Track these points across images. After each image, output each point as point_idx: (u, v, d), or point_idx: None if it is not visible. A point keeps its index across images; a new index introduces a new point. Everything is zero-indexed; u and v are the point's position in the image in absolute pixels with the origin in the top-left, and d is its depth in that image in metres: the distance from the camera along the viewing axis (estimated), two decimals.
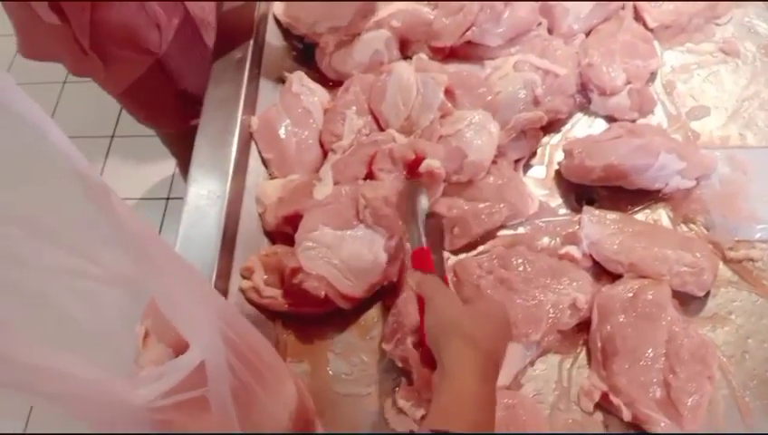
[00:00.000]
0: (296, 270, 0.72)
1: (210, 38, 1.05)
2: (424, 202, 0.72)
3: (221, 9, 0.95)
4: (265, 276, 0.76)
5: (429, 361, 0.60)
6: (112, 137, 1.93)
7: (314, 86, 0.90)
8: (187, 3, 1.02)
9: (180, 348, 0.51)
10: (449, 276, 0.76)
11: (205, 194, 0.76)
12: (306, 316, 0.74)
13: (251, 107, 0.86)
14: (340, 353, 0.74)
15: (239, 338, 0.58)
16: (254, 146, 0.85)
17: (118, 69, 1.00)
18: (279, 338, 0.74)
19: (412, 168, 0.78)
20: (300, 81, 0.90)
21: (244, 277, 0.76)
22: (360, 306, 0.75)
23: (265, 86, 0.91)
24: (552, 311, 0.71)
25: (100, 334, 0.45)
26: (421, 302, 0.60)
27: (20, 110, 0.33)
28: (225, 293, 0.73)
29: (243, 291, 0.75)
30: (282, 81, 0.93)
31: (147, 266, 0.40)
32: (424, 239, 0.67)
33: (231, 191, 0.77)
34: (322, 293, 0.72)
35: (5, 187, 0.37)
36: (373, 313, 0.76)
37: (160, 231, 1.84)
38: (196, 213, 0.74)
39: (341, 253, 0.74)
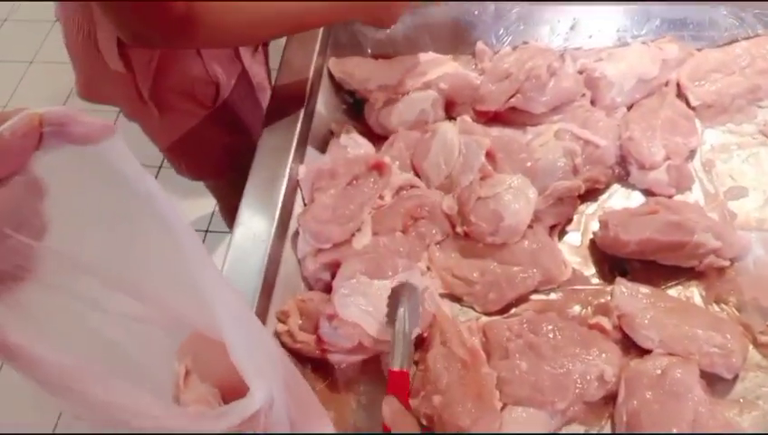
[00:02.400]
0: (332, 316, 0.75)
1: (264, 98, 1.11)
2: (415, 315, 0.70)
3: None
4: (300, 322, 0.78)
5: None
6: (160, 167, 2.01)
7: (361, 140, 0.94)
8: (246, 65, 1.08)
9: (226, 389, 0.54)
10: (479, 337, 0.78)
11: (250, 236, 0.79)
12: (336, 364, 0.76)
13: (300, 156, 0.90)
14: (365, 405, 0.75)
15: (294, 385, 0.61)
16: (299, 193, 0.89)
17: (172, 118, 1.05)
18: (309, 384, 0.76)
19: None
20: (348, 133, 0.94)
21: (280, 321, 0.78)
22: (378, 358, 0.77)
23: (315, 136, 0.95)
24: (579, 381, 0.72)
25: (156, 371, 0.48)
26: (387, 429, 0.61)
27: (122, 167, 0.37)
28: None
29: (278, 335, 0.77)
30: (331, 132, 0.97)
31: (219, 311, 0.43)
32: (407, 363, 0.65)
33: (275, 235, 0.80)
34: (356, 340, 0.74)
35: (98, 236, 0.41)
36: None
37: None
38: (240, 254, 0.78)
39: (377, 302, 0.76)
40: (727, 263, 0.81)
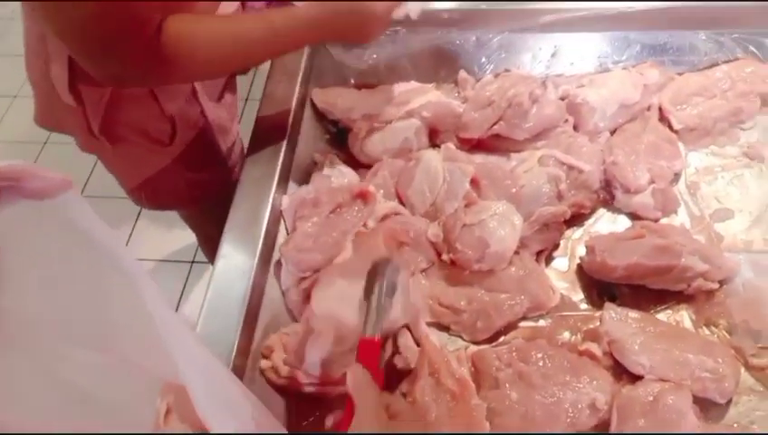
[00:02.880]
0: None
1: (224, 140, 1.09)
2: (394, 281, 0.70)
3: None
4: (284, 356, 0.76)
5: None
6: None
7: (345, 169, 0.94)
8: (205, 109, 1.03)
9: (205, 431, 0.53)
10: (468, 366, 0.77)
11: (232, 268, 0.78)
12: (322, 396, 0.75)
13: (283, 187, 0.89)
14: None
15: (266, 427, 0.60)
16: (282, 224, 0.87)
17: (126, 153, 1.02)
18: (292, 419, 0.74)
19: None
20: (331, 163, 0.94)
21: (264, 357, 0.77)
22: None
23: (299, 167, 0.94)
24: (570, 410, 0.71)
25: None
26: (350, 404, 0.59)
27: (79, 221, 0.36)
28: (242, 370, 0.73)
29: (262, 371, 0.75)
30: (314, 163, 0.97)
31: (178, 359, 0.42)
32: (379, 331, 0.65)
33: (258, 267, 0.79)
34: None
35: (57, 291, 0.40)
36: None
37: (182, 293, 1.87)
38: (222, 287, 0.76)
39: (354, 297, 0.73)
40: (716, 285, 0.81)
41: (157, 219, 2.00)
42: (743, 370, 0.74)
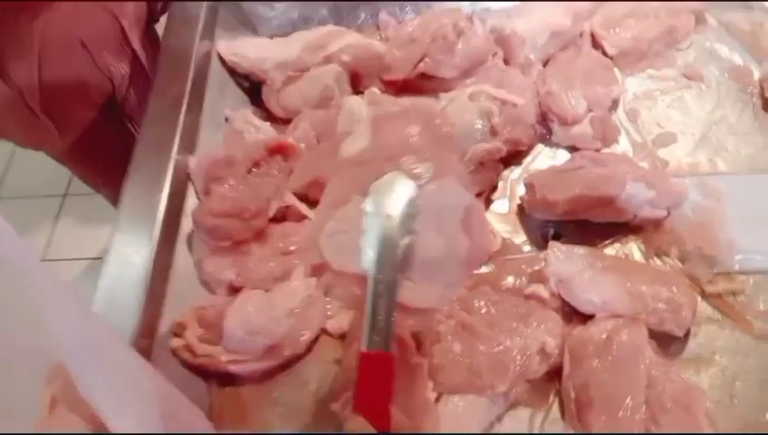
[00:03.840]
0: None
1: None
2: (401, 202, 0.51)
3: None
4: (200, 332, 0.68)
5: None
6: (65, 196, 1.85)
7: (259, 123, 0.85)
8: (138, 52, 0.98)
9: (97, 422, 0.45)
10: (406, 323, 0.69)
11: (131, 239, 0.68)
12: (244, 375, 0.66)
13: (188, 147, 0.79)
14: (284, 415, 0.65)
15: (179, 413, 0.52)
16: (191, 188, 0.78)
17: (70, 131, 0.95)
18: (215, 403, 0.66)
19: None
20: (244, 118, 0.84)
21: (175, 335, 0.68)
22: (299, 361, 0.67)
23: (207, 127, 0.84)
24: (519, 358, 0.64)
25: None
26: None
27: None
28: (148, 353, 0.64)
29: (174, 351, 0.67)
30: (226, 119, 0.87)
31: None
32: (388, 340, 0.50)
33: (161, 239, 0.70)
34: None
35: None
36: (311, 370, 0.69)
37: None
38: (119, 264, 0.67)
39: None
40: (664, 213, 0.75)
41: (80, 215, 1.86)
42: (699, 299, 0.69)
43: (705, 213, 0.76)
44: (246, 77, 0.93)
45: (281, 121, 0.89)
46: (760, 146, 0.82)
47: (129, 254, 0.67)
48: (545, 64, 0.91)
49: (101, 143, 1.02)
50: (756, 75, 0.88)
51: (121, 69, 0.96)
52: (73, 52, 0.92)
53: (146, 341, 0.64)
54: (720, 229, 0.74)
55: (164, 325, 0.67)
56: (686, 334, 0.67)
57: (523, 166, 0.84)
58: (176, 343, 0.67)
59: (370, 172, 0.54)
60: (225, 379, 0.67)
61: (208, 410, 0.66)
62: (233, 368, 0.67)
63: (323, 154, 0.77)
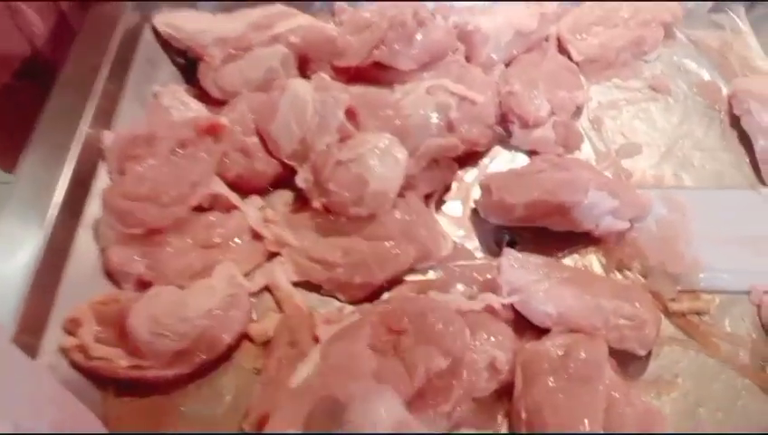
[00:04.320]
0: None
1: None
2: None
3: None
4: (97, 329, 0.58)
5: None
6: None
7: (189, 100, 0.76)
8: (66, 12, 0.87)
9: None
10: None
11: (22, 221, 0.58)
12: (148, 383, 0.56)
13: (104, 122, 0.70)
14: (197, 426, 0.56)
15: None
16: (103, 168, 0.68)
17: None
18: (110, 413, 0.56)
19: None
20: (173, 94, 0.75)
21: (68, 333, 0.57)
22: (214, 369, 0.58)
23: (130, 102, 0.75)
24: (465, 374, 0.57)
25: None
26: None
27: None
28: (33, 351, 0.54)
29: (64, 351, 0.56)
30: (154, 96, 0.78)
31: None
32: None
33: (59, 219, 0.60)
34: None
35: None
36: (228, 380, 0.59)
37: None
38: (6, 247, 0.56)
39: None
40: (627, 225, 0.70)
41: None
42: (662, 317, 0.64)
43: (670, 227, 0.71)
44: (182, 52, 0.84)
45: (216, 103, 0.80)
46: (726, 163, 0.78)
47: (18, 235, 0.57)
48: (508, 65, 0.86)
49: (16, 115, 0.90)
50: (724, 92, 0.85)
51: (45, 29, 0.85)
52: None
53: (30, 337, 0.54)
54: (685, 245, 0.69)
55: (54, 321, 0.57)
56: (648, 354, 0.61)
57: (479, 168, 0.78)
58: (67, 342, 0.57)
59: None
60: (124, 387, 0.57)
61: (101, 422, 0.55)
62: (134, 374, 0.57)
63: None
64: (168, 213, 0.65)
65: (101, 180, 0.67)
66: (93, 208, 0.65)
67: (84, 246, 0.63)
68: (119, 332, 0.58)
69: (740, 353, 0.62)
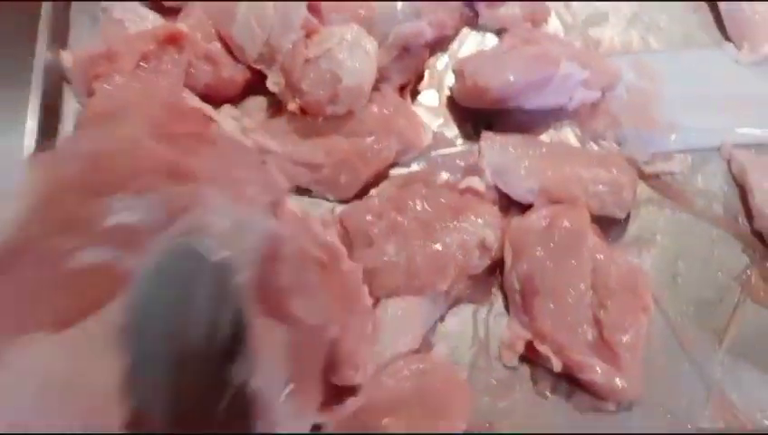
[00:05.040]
0: None
1: None
2: None
3: None
4: None
5: None
6: None
7: (143, 11, 0.72)
8: None
9: None
10: (336, 229, 0.63)
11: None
12: None
13: (59, 41, 0.67)
14: None
15: None
16: (68, 91, 0.66)
17: None
18: None
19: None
20: (124, 6, 0.72)
21: None
22: None
23: (80, 20, 0.71)
24: (458, 254, 0.60)
25: None
26: None
27: None
28: None
29: None
30: (103, 10, 0.74)
31: None
32: None
33: (38, 148, 0.59)
34: None
35: None
36: None
37: None
38: None
39: None
40: (598, 94, 0.71)
41: None
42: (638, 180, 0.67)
43: (641, 93, 0.73)
44: None
45: (169, 12, 0.76)
46: (694, 24, 0.79)
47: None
48: None
49: None
50: None
51: None
52: None
53: None
54: (656, 109, 0.71)
55: None
56: (627, 217, 0.65)
57: (449, 53, 0.77)
58: None
59: None
60: None
61: None
62: None
63: None
64: None
65: (69, 104, 0.65)
66: (67, 132, 0.63)
67: None
68: None
69: (713, 206, 0.66)
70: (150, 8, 0.75)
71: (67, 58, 0.66)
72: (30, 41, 0.63)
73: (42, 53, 0.63)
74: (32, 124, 0.59)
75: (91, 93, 0.64)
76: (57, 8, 0.68)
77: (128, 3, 0.72)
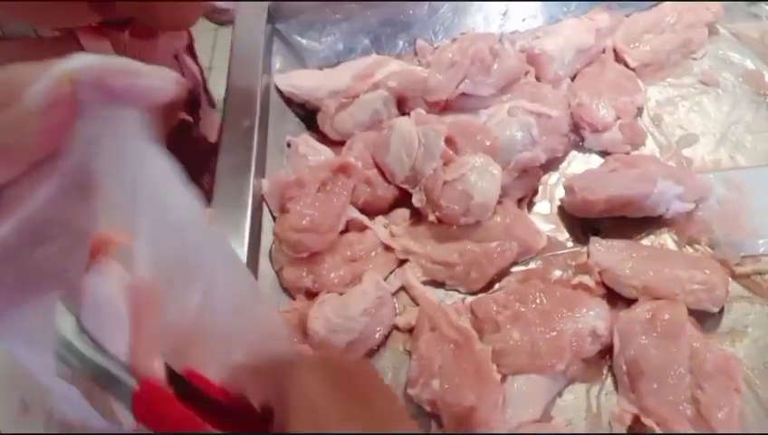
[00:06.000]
0: None
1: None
2: None
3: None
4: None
5: None
6: None
7: (320, 147, 0.94)
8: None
9: None
10: (467, 316, 0.78)
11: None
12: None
13: (260, 172, 0.89)
14: None
15: None
16: (266, 208, 0.88)
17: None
18: None
19: None
20: (305, 143, 0.94)
21: None
22: (375, 354, 0.77)
23: (273, 153, 0.94)
24: (573, 340, 0.72)
25: None
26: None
27: None
28: None
29: None
30: (288, 145, 0.97)
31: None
32: None
33: (249, 253, 0.79)
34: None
35: None
36: (386, 360, 0.77)
37: None
38: None
39: None
40: (693, 206, 0.83)
41: None
42: (730, 280, 0.77)
43: (730, 204, 0.84)
44: (301, 105, 1.03)
45: (334, 144, 0.98)
46: None
47: None
48: (573, 79, 1.00)
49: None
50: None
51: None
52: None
53: None
54: (745, 218, 0.82)
55: None
56: (721, 311, 0.74)
57: (559, 171, 0.93)
58: None
59: None
60: None
61: None
62: None
63: None
64: (325, 239, 0.83)
65: (266, 219, 0.86)
66: (265, 240, 0.84)
67: (265, 269, 0.82)
68: (302, 332, 0.77)
69: None
70: (320, 142, 0.98)
71: (266, 185, 0.88)
72: (246, 171, 0.85)
73: (251, 181, 0.85)
74: (245, 235, 0.80)
75: (284, 211, 0.85)
76: (259, 145, 0.91)
77: (308, 140, 0.95)
